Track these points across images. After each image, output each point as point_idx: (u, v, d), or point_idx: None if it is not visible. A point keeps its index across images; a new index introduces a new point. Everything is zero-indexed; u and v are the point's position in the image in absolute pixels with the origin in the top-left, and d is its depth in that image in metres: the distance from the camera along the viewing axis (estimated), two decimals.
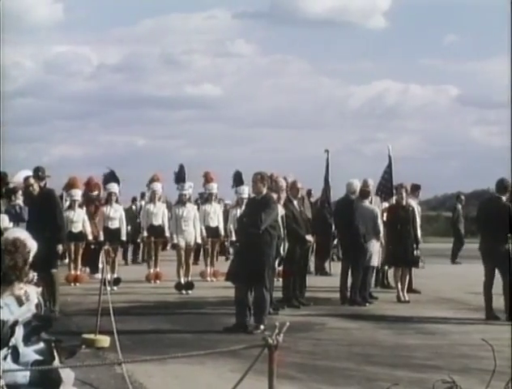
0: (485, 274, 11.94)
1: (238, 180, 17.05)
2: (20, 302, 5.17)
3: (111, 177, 16.78)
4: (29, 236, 5.46)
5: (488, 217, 11.79)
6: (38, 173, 12.04)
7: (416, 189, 15.98)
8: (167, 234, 16.64)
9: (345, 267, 14.06)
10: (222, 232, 17.30)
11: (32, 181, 11.85)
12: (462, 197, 25.48)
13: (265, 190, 10.97)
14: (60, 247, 11.95)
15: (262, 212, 10.58)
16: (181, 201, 15.91)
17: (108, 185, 16.59)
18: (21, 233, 5.55)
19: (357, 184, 14.39)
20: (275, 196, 12.10)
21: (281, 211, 12.41)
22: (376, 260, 14.35)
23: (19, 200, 11.87)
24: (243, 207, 14.58)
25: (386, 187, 16.12)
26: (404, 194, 14.37)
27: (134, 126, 73.35)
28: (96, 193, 17.72)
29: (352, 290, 13.80)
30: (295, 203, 13.25)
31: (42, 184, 12.06)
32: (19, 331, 5.19)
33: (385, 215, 14.86)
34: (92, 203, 17.59)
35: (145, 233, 16.88)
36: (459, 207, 24.43)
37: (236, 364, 7.91)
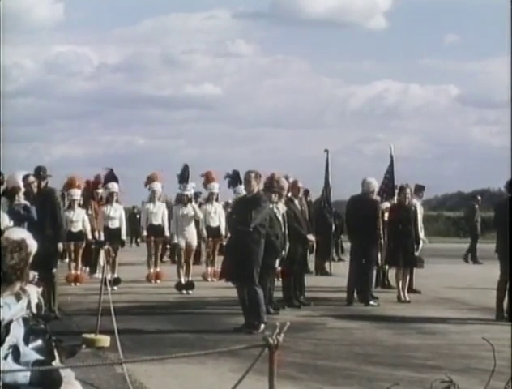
0: (501, 275, 11.90)
1: (235, 179, 17.02)
2: (19, 301, 5.18)
3: (111, 176, 16.80)
4: (30, 235, 5.45)
5: (505, 218, 11.69)
6: (39, 173, 12.05)
7: (419, 189, 15.96)
8: (166, 234, 16.68)
9: (356, 268, 13.92)
10: (223, 231, 17.30)
11: (31, 179, 11.84)
12: (479, 197, 25.63)
13: (256, 189, 10.96)
14: (60, 245, 11.97)
15: (252, 210, 10.59)
16: (182, 201, 15.89)
17: (108, 185, 16.59)
18: (22, 233, 5.54)
19: (375, 183, 14.42)
20: (273, 196, 12.13)
21: (282, 209, 12.42)
22: (378, 259, 14.42)
23: (22, 199, 11.84)
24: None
25: (388, 187, 16.11)
26: (409, 194, 14.36)
27: (134, 126, 73.73)
28: (101, 191, 17.71)
29: (369, 289, 13.81)
30: (296, 202, 13.26)
31: (43, 183, 12.07)
32: (20, 330, 5.18)
33: (386, 214, 14.86)
34: (93, 203, 17.61)
35: (144, 233, 16.88)
36: (476, 207, 24.53)
37: (236, 364, 7.92)
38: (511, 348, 7.60)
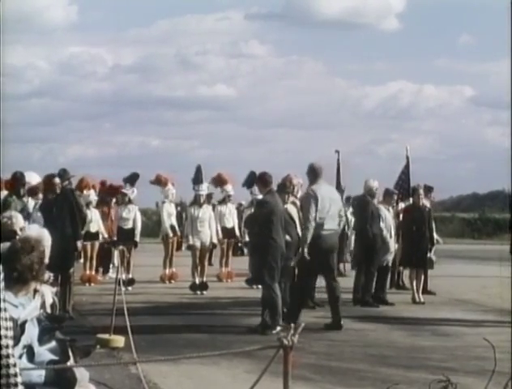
0: None
1: (251, 180, 16.96)
2: (33, 300, 5.20)
3: (130, 178, 16.78)
4: (44, 233, 5.46)
5: None
6: (62, 174, 12.17)
7: (428, 190, 15.92)
8: (178, 234, 16.81)
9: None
10: (237, 232, 17.32)
11: (56, 181, 11.91)
12: None
13: (265, 191, 10.99)
14: (79, 244, 12.02)
15: (258, 212, 10.65)
16: (197, 202, 15.89)
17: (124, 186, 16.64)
18: (36, 231, 5.55)
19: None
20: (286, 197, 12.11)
21: (295, 211, 12.38)
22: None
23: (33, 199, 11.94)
24: None
25: (403, 188, 16.03)
26: (422, 195, 14.38)
27: (148, 127, 73.75)
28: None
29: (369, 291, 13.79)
30: None
31: (64, 184, 12.18)
32: (34, 330, 5.20)
33: (401, 215, 14.84)
34: (106, 204, 17.61)
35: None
36: None
37: (250, 365, 7.92)
38: (511, 348, 7.53)
